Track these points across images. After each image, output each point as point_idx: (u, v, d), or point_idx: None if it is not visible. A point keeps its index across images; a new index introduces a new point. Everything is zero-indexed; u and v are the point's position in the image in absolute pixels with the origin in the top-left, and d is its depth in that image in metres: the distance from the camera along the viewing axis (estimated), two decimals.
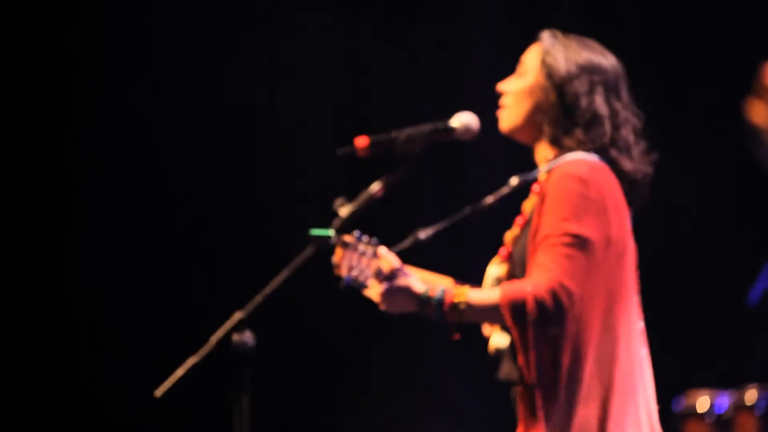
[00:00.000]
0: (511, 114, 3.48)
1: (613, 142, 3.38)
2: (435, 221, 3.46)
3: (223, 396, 3.50)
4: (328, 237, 3.29)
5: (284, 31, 6.61)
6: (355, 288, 3.32)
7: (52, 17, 6.50)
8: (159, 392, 3.24)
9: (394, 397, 6.59)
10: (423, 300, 3.26)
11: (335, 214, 3.39)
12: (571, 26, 3.67)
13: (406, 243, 3.36)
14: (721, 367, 6.30)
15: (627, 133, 3.41)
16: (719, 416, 5.77)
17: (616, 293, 3.28)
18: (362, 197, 3.39)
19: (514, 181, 3.41)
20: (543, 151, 3.45)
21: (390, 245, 3.36)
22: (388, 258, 3.30)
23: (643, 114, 3.50)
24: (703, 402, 5.78)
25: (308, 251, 3.32)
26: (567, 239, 3.20)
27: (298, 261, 3.32)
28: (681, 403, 5.82)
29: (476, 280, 3.65)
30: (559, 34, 3.49)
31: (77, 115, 6.54)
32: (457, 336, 3.28)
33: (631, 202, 3.42)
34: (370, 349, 6.62)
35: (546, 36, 3.49)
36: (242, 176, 6.61)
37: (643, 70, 6.12)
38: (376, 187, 3.40)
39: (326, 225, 3.36)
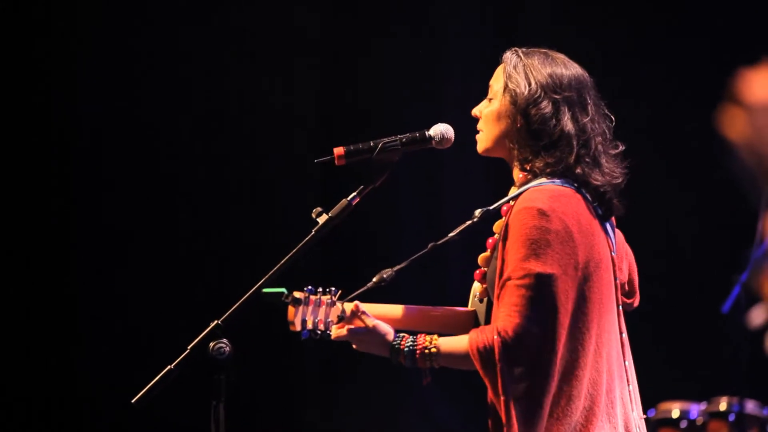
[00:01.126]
0: (483, 138, 3.53)
1: (580, 158, 3.40)
2: (416, 232, 3.49)
3: (200, 403, 3.51)
4: (281, 294, 3.33)
5: (283, 33, 6.65)
6: (316, 339, 3.38)
7: (51, 19, 6.52)
8: (135, 400, 3.25)
9: (374, 407, 6.60)
10: (395, 349, 3.37)
11: (314, 223, 3.41)
12: (559, 30, 3.66)
13: (370, 284, 3.42)
14: (711, 376, 6.31)
15: (596, 144, 3.43)
16: (692, 422, 5.80)
17: (590, 313, 3.31)
18: (339, 206, 3.42)
19: (477, 213, 3.45)
20: (515, 173, 3.49)
21: (371, 259, 3.40)
22: (349, 304, 3.41)
23: (634, 116, 3.50)
24: (675, 410, 5.82)
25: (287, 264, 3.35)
26: (528, 280, 3.25)
27: (275, 270, 3.34)
28: (653, 412, 5.86)
29: (453, 299, 3.68)
30: (521, 52, 3.50)
31: (77, 123, 6.56)
32: (428, 379, 3.41)
33: (605, 216, 3.45)
34: (349, 358, 6.62)
35: (508, 57, 3.51)
36: (235, 182, 6.65)
37: (632, 71, 6.14)
38: (353, 196, 3.42)
39: (310, 229, 3.38)
